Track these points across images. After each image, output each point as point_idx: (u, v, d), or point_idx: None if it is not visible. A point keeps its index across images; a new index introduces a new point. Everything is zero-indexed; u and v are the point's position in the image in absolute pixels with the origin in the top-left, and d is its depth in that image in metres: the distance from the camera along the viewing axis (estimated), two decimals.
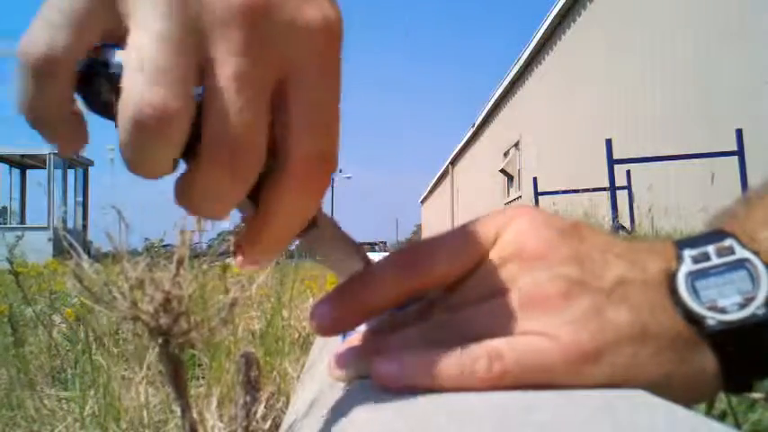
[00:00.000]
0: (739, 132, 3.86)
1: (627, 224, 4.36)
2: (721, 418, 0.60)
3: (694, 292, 0.25)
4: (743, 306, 0.25)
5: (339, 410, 0.26)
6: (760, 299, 0.25)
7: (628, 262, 0.26)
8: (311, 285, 2.02)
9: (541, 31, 9.46)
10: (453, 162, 18.89)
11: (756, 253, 0.26)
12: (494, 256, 0.27)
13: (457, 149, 17.92)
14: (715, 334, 0.25)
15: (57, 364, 1.38)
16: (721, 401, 0.62)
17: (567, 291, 0.25)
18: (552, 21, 9.04)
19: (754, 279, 0.25)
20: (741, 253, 0.26)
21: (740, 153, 3.82)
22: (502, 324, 0.25)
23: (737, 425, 0.60)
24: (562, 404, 0.22)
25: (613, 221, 3.89)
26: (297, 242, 0.28)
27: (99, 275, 0.27)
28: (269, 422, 1.08)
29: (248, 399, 0.56)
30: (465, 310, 0.27)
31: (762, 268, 0.26)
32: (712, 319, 0.25)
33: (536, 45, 9.88)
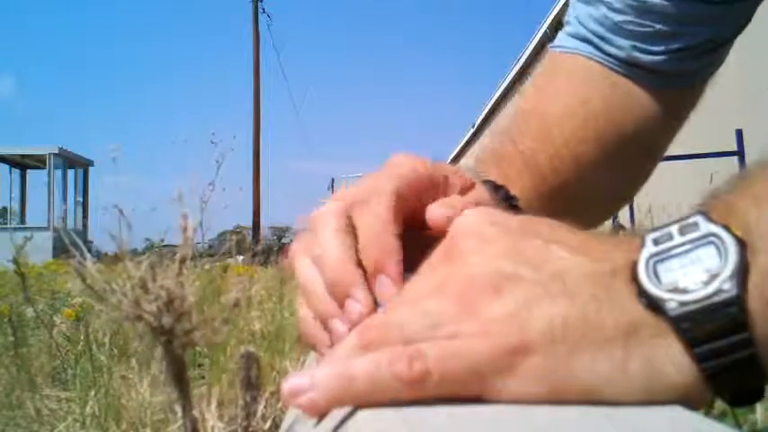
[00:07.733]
0: (739, 132, 3.87)
1: (626, 224, 4.36)
2: (721, 418, 0.60)
3: (655, 275, 0.23)
4: (707, 283, 0.22)
5: (339, 410, 0.26)
6: (726, 273, 0.22)
7: (583, 255, 0.25)
8: None
9: (542, 30, 9.46)
10: (453, 162, 18.89)
11: (726, 227, 0.23)
12: (434, 255, 0.28)
13: (457, 149, 17.92)
14: (678, 317, 0.22)
15: (57, 364, 1.38)
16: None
17: (498, 285, 0.24)
18: (552, 20, 9.04)
19: (721, 254, 0.22)
20: (707, 228, 0.23)
21: (740, 153, 3.82)
22: (430, 324, 0.24)
23: (737, 425, 0.60)
24: (561, 405, 0.22)
25: (613, 221, 3.88)
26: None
27: (101, 275, 0.27)
28: (269, 422, 1.08)
29: (248, 399, 0.56)
30: (396, 311, 0.26)
31: (730, 241, 0.22)
32: (672, 301, 0.22)
33: (536, 45, 9.87)
